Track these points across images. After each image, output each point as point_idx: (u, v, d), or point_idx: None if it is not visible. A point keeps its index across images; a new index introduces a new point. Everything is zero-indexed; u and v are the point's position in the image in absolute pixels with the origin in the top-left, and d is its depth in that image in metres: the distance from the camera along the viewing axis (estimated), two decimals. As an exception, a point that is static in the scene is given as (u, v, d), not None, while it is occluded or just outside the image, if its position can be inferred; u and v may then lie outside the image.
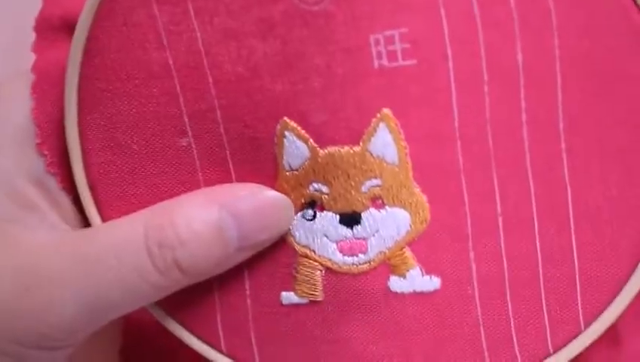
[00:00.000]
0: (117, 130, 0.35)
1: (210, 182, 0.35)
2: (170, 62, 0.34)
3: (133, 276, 0.33)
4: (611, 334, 0.38)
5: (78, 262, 0.33)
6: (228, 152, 0.35)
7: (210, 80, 0.34)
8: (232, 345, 0.37)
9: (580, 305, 0.35)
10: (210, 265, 0.34)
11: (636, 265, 0.35)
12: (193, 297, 0.37)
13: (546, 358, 0.36)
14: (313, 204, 0.35)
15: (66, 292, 0.33)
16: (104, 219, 0.36)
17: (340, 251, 0.35)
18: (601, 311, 0.35)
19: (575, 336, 0.36)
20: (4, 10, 0.49)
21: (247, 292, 0.37)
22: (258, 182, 0.35)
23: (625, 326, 0.38)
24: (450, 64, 0.32)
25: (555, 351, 0.36)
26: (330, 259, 0.35)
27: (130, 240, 0.33)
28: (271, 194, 0.35)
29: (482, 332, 0.36)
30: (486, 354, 0.36)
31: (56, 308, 0.33)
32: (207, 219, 0.33)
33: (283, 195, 0.35)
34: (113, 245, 0.33)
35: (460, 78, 0.32)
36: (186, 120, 0.35)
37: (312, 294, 0.36)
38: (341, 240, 0.35)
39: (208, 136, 0.35)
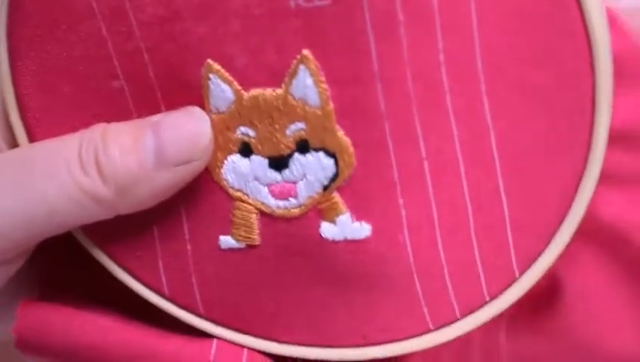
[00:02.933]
0: (49, 73, 0.35)
1: None
2: (94, 5, 0.34)
3: (60, 165, 0.33)
4: (547, 283, 0.37)
5: (12, 156, 0.35)
6: (159, 94, 0.35)
7: (134, 22, 0.33)
8: (174, 290, 0.38)
9: (512, 251, 0.34)
10: (127, 174, 0.33)
11: (568, 209, 0.34)
12: (136, 244, 0.37)
13: (482, 306, 0.35)
14: (248, 149, 0.34)
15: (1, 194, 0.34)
16: None
17: (272, 195, 0.35)
18: (535, 258, 0.34)
19: (511, 284, 0.35)
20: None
21: (187, 237, 0.37)
22: None
23: (560, 275, 0.37)
24: (365, 4, 0.31)
25: (491, 299, 0.35)
26: (263, 203, 0.35)
27: (66, 140, 0.34)
28: (193, 112, 0.34)
29: (417, 281, 0.35)
30: (422, 302, 0.36)
31: None
32: (133, 128, 0.34)
33: (203, 114, 0.34)
34: (51, 143, 0.35)
35: (376, 19, 0.31)
36: (116, 63, 0.34)
37: (249, 238, 0.36)
38: (272, 184, 0.35)
39: (138, 79, 0.34)
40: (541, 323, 0.39)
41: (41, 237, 0.35)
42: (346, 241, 0.35)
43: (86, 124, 0.35)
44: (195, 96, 0.34)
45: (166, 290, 0.38)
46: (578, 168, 0.33)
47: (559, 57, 0.32)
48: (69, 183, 0.33)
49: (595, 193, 0.34)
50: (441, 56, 0.32)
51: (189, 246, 0.37)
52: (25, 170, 0.34)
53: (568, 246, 0.34)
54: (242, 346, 0.38)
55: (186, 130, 0.34)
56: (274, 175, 0.34)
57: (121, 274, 0.38)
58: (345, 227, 0.35)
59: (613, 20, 0.36)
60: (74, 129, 0.35)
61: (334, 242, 0.35)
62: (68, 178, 0.33)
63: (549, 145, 0.33)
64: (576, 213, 0.34)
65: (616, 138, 0.33)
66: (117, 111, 0.35)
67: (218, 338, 0.38)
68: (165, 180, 0.34)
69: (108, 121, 0.35)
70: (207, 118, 0.34)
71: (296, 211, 0.35)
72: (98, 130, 0.34)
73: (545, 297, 0.38)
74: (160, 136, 0.34)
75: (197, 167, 0.34)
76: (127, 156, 0.33)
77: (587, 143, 0.33)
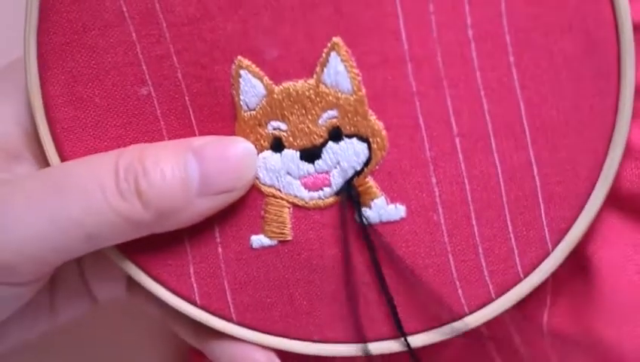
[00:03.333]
0: (78, 83, 0.35)
1: (171, 129, 0.36)
2: (124, 9, 0.34)
3: (96, 193, 0.33)
4: (578, 260, 0.38)
5: (46, 181, 0.34)
6: (187, 98, 0.35)
7: (164, 24, 0.34)
8: (206, 297, 0.38)
9: (545, 223, 0.35)
10: (169, 202, 0.34)
11: (597, 178, 0.35)
12: (165, 251, 0.37)
13: (516, 284, 0.36)
14: (279, 144, 0.35)
15: (31, 211, 0.33)
16: None
17: (305, 187, 0.35)
18: (567, 228, 0.35)
19: (544, 257, 0.36)
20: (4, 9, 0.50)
21: (218, 240, 0.37)
22: (218, 126, 0.35)
23: (591, 251, 0.37)
24: None
25: (525, 276, 0.36)
26: (296, 196, 0.36)
27: (101, 163, 0.34)
28: (239, 144, 0.35)
29: (451, 260, 0.36)
30: (457, 283, 0.36)
31: (19, 230, 0.33)
32: (175, 153, 0.34)
33: (250, 146, 0.35)
34: (85, 166, 0.34)
35: (406, 0, 0.33)
36: (145, 68, 0.35)
37: (282, 233, 0.36)
38: (304, 177, 0.35)
39: (167, 83, 0.35)
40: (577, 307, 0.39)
41: (75, 257, 0.35)
42: (382, 224, 0.35)
43: (113, 133, 0.36)
44: (224, 95, 0.35)
45: (197, 297, 0.38)
46: (606, 134, 0.34)
47: (584, 24, 0.33)
48: (107, 211, 0.33)
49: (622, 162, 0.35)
50: (470, 32, 0.33)
51: (220, 249, 0.37)
52: (61, 195, 0.34)
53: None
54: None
55: (232, 163, 0.35)
56: (306, 167, 0.35)
57: (151, 285, 0.38)
58: (380, 210, 0.35)
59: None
60: (101, 139, 0.36)
61: (370, 227, 0.36)
62: (105, 205, 0.33)
63: (578, 113, 0.34)
64: (606, 181, 0.35)
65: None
66: (144, 120, 0.36)
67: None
68: (206, 207, 0.35)
69: (135, 129, 0.36)
70: (253, 149, 0.35)
71: (330, 200, 0.35)
72: (135, 153, 0.34)
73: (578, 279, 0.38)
74: (205, 165, 0.34)
75: (238, 195, 0.35)
76: (171, 183, 0.34)
77: (614, 109, 0.34)
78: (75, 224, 0.33)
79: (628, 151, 0.35)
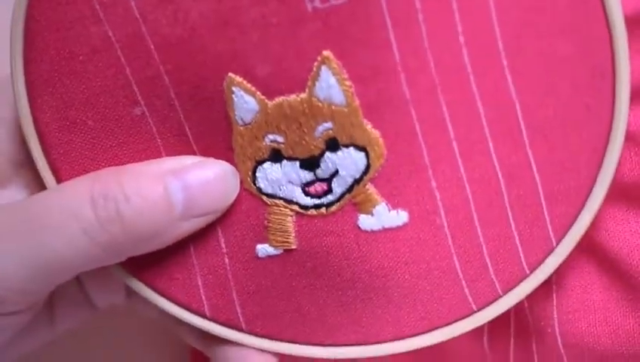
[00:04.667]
0: (70, 108, 0.35)
1: (169, 147, 0.36)
2: (110, 34, 0.34)
3: (72, 225, 0.33)
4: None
5: (23, 215, 0.34)
6: (182, 115, 0.35)
7: (152, 46, 0.34)
8: (215, 308, 0.38)
9: (548, 221, 0.35)
10: (152, 227, 0.34)
11: (597, 173, 0.35)
12: (173, 266, 0.37)
13: (522, 280, 0.36)
14: (278, 155, 0.35)
15: (9, 245, 0.33)
16: None
17: (306, 194, 0.35)
18: (570, 224, 0.35)
19: (548, 253, 0.36)
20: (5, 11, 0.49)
21: (224, 250, 0.37)
22: (216, 140, 0.35)
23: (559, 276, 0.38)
24: None
25: (531, 271, 0.36)
26: (298, 203, 0.36)
27: (75, 193, 0.33)
28: (220, 166, 0.35)
29: (456, 262, 0.36)
30: (464, 283, 0.36)
31: (1, 264, 0.33)
32: (155, 178, 0.34)
33: (231, 168, 0.35)
34: (58, 198, 0.34)
35: (394, 10, 0.32)
36: (136, 89, 0.35)
37: (286, 242, 0.36)
38: (305, 184, 0.35)
39: (160, 102, 0.35)
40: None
41: (55, 286, 0.36)
42: (385, 230, 0.36)
43: (109, 154, 0.36)
44: (218, 111, 0.35)
45: (207, 310, 0.38)
46: (604, 131, 0.34)
47: (577, 25, 0.33)
48: (85, 243, 0.33)
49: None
50: (462, 39, 0.32)
51: (226, 260, 0.37)
52: (39, 229, 0.33)
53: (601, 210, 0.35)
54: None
55: (217, 186, 0.35)
56: (307, 175, 0.35)
57: (159, 301, 0.38)
58: (382, 216, 0.35)
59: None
60: (98, 161, 0.36)
61: (373, 233, 0.36)
62: (83, 238, 0.33)
63: (574, 112, 0.34)
64: (606, 175, 0.34)
65: (634, 96, 0.34)
66: (140, 139, 0.36)
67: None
68: (187, 228, 0.35)
69: (132, 148, 0.36)
70: (234, 170, 0.35)
71: (332, 208, 0.35)
72: (111, 177, 0.34)
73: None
74: (189, 190, 0.34)
75: (218, 214, 0.36)
76: (154, 208, 0.33)
77: (611, 105, 0.34)
78: (55, 257, 0.33)
79: (627, 139, 0.35)
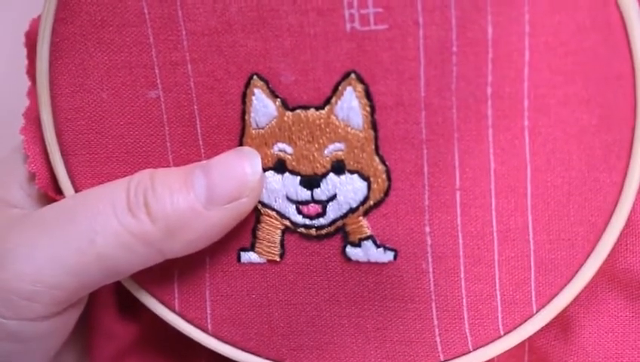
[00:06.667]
0: (87, 76, 0.35)
1: (175, 136, 0.36)
2: (146, 11, 0.34)
3: (107, 210, 0.34)
4: (562, 323, 0.38)
5: (61, 207, 0.35)
6: (196, 107, 0.35)
7: (184, 32, 0.34)
8: (185, 304, 0.38)
9: (533, 287, 0.35)
10: (176, 214, 0.34)
11: (591, 250, 0.35)
12: None
13: (495, 340, 0.36)
14: (282, 166, 0.35)
15: (45, 237, 0.34)
16: (69, 165, 0.36)
17: (300, 213, 0.35)
18: (554, 295, 0.35)
19: (527, 319, 0.36)
20: (6, 13, 0.50)
21: (207, 249, 0.37)
22: (223, 138, 0.35)
23: (575, 316, 0.38)
24: (421, 32, 0.32)
25: (505, 333, 0.36)
26: (289, 219, 0.36)
27: (114, 185, 0.35)
28: (243, 150, 0.35)
29: (434, 308, 0.36)
30: (436, 330, 0.36)
31: (35, 257, 0.33)
32: (181, 174, 0.34)
33: (253, 151, 0.35)
34: (100, 190, 0.35)
35: (430, 47, 0.32)
36: (157, 71, 0.35)
37: (271, 253, 0.36)
38: (301, 202, 0.35)
39: (178, 90, 0.35)
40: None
41: (93, 286, 0.35)
42: (369, 264, 0.35)
43: (115, 132, 0.36)
44: (234, 109, 0.35)
45: (176, 304, 0.38)
46: (608, 209, 0.34)
47: (606, 100, 0.33)
48: (116, 226, 0.34)
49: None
50: (489, 90, 0.33)
51: (207, 259, 0.37)
52: (74, 218, 0.34)
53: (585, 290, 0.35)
54: None
55: (235, 168, 0.34)
56: (304, 193, 0.35)
57: (131, 286, 0.38)
58: (369, 250, 0.35)
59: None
60: (103, 135, 0.36)
61: (357, 263, 0.36)
62: (114, 221, 0.34)
63: (583, 184, 0.34)
64: (600, 254, 0.35)
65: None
66: (148, 123, 0.36)
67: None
68: (216, 219, 0.34)
69: (137, 131, 0.35)
70: (257, 155, 0.35)
71: (322, 231, 0.35)
72: (146, 172, 0.35)
73: (554, 341, 0.39)
74: (210, 176, 0.34)
75: (247, 204, 0.35)
76: (176, 196, 0.34)
77: (620, 186, 0.34)
78: (86, 242, 0.33)
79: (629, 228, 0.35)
